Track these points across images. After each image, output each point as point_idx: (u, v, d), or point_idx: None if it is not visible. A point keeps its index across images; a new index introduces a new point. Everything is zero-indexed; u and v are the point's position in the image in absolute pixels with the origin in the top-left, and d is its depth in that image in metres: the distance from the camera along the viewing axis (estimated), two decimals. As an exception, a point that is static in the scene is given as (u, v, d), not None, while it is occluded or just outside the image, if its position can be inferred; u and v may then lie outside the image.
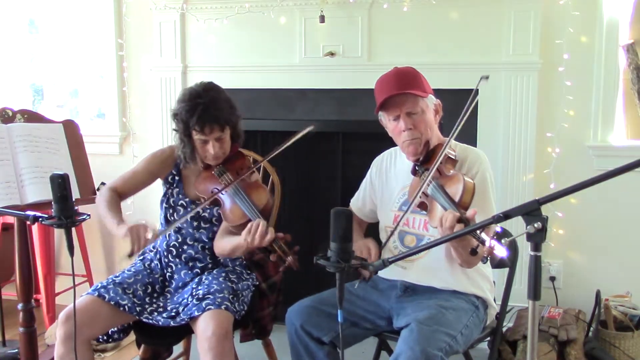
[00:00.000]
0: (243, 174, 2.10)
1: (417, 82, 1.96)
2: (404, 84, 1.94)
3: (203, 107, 2.01)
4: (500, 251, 1.37)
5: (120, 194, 2.20)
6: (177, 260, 2.18)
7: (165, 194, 2.24)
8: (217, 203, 2.09)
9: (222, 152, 2.11)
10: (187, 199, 2.19)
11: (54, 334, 2.01)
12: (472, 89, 2.78)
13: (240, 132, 2.19)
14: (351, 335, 2.01)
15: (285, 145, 2.06)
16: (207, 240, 2.19)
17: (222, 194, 2.06)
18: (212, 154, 2.08)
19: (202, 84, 2.13)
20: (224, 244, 2.09)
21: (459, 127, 1.87)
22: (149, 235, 1.94)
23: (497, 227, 1.41)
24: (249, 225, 1.92)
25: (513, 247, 2.14)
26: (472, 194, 1.76)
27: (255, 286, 2.22)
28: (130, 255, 1.97)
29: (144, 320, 2.02)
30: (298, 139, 2.06)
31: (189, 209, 2.17)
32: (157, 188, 2.30)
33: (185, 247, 2.18)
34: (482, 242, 1.44)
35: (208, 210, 2.18)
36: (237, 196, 2.04)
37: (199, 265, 2.18)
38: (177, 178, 2.22)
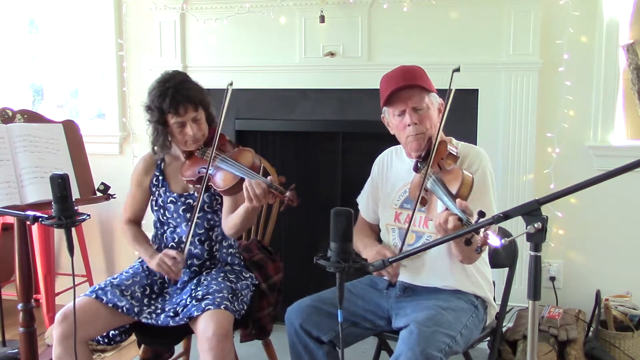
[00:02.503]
0: (225, 148, 2.12)
1: (423, 78, 1.99)
2: (410, 78, 1.96)
3: (173, 89, 2.05)
4: (494, 241, 1.37)
5: (136, 220, 2.30)
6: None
7: (153, 197, 2.25)
8: (208, 183, 2.08)
9: (200, 133, 2.12)
10: (174, 195, 2.20)
11: (53, 334, 2.01)
12: (472, 89, 2.83)
13: (214, 117, 2.21)
14: (351, 335, 2.02)
15: (223, 112, 2.07)
16: (202, 232, 2.19)
17: (209, 169, 2.06)
18: (191, 135, 2.09)
19: (167, 72, 2.17)
20: (233, 219, 2.08)
21: (444, 118, 1.91)
22: (179, 260, 2.05)
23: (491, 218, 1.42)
24: (244, 188, 1.91)
25: (513, 247, 2.14)
26: (470, 187, 1.77)
27: (255, 286, 2.22)
28: (175, 283, 2.15)
29: (143, 320, 2.02)
30: (228, 101, 2.07)
31: (179, 204, 2.18)
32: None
33: (182, 245, 2.18)
34: (477, 232, 1.45)
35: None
36: (224, 163, 2.05)
37: (197, 262, 2.18)
38: (160, 178, 2.23)
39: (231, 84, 2.06)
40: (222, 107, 2.06)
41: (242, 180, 1.96)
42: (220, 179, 2.04)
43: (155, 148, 2.17)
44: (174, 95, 2.04)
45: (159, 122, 2.10)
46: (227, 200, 2.14)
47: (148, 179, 2.25)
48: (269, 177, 1.92)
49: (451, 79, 1.87)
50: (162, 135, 2.13)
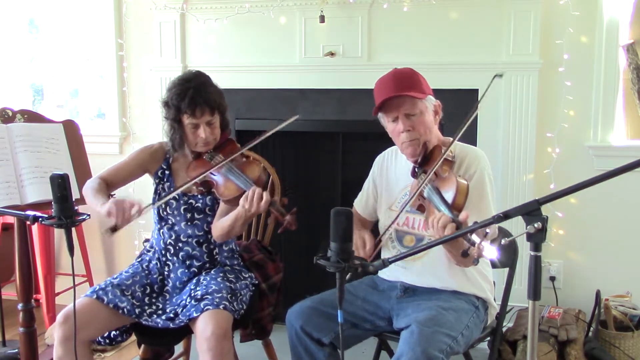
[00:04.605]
0: (234, 155, 2.12)
1: (415, 84, 1.96)
2: (402, 86, 1.94)
3: (193, 90, 2.05)
4: (490, 253, 1.37)
5: (108, 183, 2.17)
6: (175, 258, 2.18)
7: (156, 191, 2.24)
8: (210, 186, 2.08)
9: (212, 137, 2.13)
10: (178, 192, 2.20)
11: (54, 334, 2.01)
12: (472, 89, 2.83)
13: (228, 122, 2.22)
14: (351, 335, 2.01)
15: (268, 134, 2.10)
16: (201, 234, 2.19)
17: (214, 174, 2.06)
18: (203, 139, 2.09)
19: (190, 71, 2.18)
20: (222, 222, 2.08)
21: (463, 130, 1.89)
22: (134, 210, 1.89)
23: (488, 228, 1.41)
24: (245, 193, 1.93)
25: (513, 247, 2.14)
26: (465, 196, 1.75)
27: (255, 286, 2.22)
28: (113, 229, 1.89)
29: (143, 322, 2.02)
30: (283, 128, 2.11)
31: (181, 202, 2.18)
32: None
33: (180, 244, 2.18)
34: (473, 243, 1.45)
35: (201, 200, 2.18)
36: (230, 173, 2.05)
37: (196, 264, 2.18)
38: (167, 172, 2.23)
39: (297, 118, 2.10)
40: (276, 128, 2.10)
41: (244, 192, 1.96)
42: (224, 187, 2.04)
43: (175, 144, 2.16)
44: (194, 96, 2.04)
45: (175, 120, 2.10)
46: (223, 204, 2.14)
47: (153, 165, 2.24)
48: (274, 198, 1.93)
49: (489, 85, 1.89)
50: (179, 133, 2.13)
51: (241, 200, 1.94)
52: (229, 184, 2.03)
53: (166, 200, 2.10)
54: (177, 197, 2.19)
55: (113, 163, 2.23)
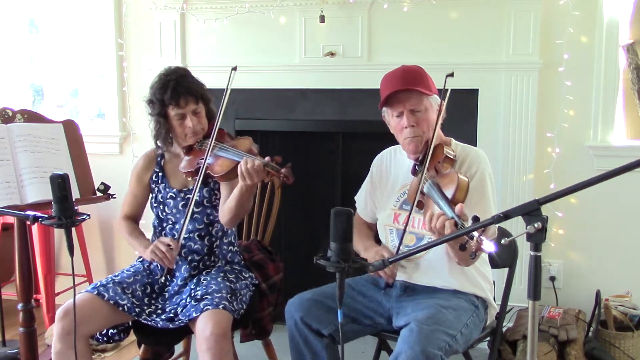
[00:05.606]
0: (224, 139, 2.14)
1: (423, 81, 1.98)
2: (410, 81, 1.95)
3: (175, 82, 2.10)
4: (488, 246, 1.37)
5: (133, 217, 2.30)
6: (177, 257, 2.18)
7: (153, 195, 2.25)
8: (206, 171, 2.08)
9: (200, 126, 2.15)
10: (174, 190, 2.21)
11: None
12: (472, 89, 2.83)
13: (214, 113, 2.23)
14: (351, 330, 2.02)
15: (226, 98, 2.11)
16: (202, 227, 2.19)
17: (208, 159, 2.07)
18: (191, 128, 2.12)
19: (169, 67, 2.22)
20: (228, 204, 2.08)
21: (439, 120, 1.88)
22: (172, 245, 2.04)
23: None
24: (238, 168, 1.93)
25: (513, 247, 2.14)
26: (465, 192, 1.76)
27: (255, 286, 2.22)
28: (168, 273, 2.14)
29: (143, 321, 2.02)
30: (229, 85, 2.12)
31: (178, 199, 2.19)
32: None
33: (182, 241, 2.18)
34: (471, 237, 1.45)
35: (198, 194, 2.18)
36: (222, 151, 2.07)
37: (197, 257, 2.18)
38: (160, 174, 2.25)
39: (235, 69, 2.10)
40: (225, 90, 2.09)
41: (238, 164, 1.97)
42: (218, 165, 2.06)
43: (158, 142, 2.19)
44: (175, 87, 2.09)
45: (160, 115, 2.13)
46: (224, 189, 2.15)
47: (148, 175, 2.26)
48: (266, 158, 1.94)
49: (444, 84, 1.88)
50: (164, 129, 2.15)
51: (240, 179, 1.94)
52: (222, 161, 2.05)
53: (186, 223, 2.11)
54: (174, 194, 2.20)
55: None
